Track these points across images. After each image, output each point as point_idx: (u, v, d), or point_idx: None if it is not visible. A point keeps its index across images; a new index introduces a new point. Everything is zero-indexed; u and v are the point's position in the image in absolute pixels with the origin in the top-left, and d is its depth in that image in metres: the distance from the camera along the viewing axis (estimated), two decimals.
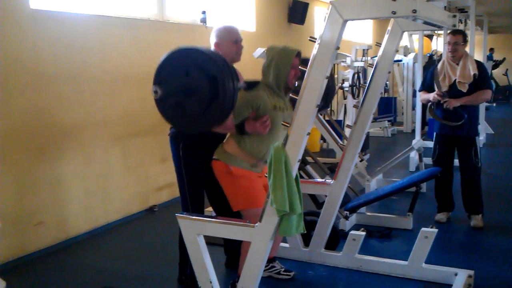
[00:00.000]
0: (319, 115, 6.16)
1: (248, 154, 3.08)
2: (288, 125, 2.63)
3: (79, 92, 4.53)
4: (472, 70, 4.39)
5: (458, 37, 4.41)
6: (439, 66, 4.58)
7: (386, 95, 11.31)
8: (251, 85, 3.10)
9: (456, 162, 4.68)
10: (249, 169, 3.10)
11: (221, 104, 2.49)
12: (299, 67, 3.08)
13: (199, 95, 2.50)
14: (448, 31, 4.61)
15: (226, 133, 3.15)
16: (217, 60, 2.51)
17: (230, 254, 3.68)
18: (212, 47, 3.24)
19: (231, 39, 3.20)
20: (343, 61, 8.34)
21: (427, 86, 4.69)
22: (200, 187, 3.39)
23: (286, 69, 3.05)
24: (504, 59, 17.99)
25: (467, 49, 4.69)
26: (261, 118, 2.97)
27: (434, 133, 4.76)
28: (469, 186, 4.57)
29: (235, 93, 2.55)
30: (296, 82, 3.17)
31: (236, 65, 3.20)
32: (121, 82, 4.99)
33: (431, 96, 4.53)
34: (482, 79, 4.44)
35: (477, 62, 4.52)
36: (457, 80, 4.41)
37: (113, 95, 4.92)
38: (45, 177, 4.26)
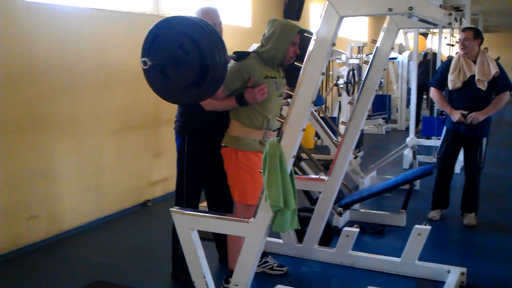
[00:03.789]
0: (314, 112, 6.17)
1: (253, 129, 3.08)
2: (282, 121, 2.63)
3: (72, 85, 4.50)
4: (493, 69, 4.29)
5: (467, 34, 4.34)
6: (454, 60, 4.46)
7: (380, 93, 11.33)
8: (242, 56, 3.08)
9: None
10: (259, 149, 3.09)
11: (210, 76, 2.43)
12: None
13: (187, 66, 2.43)
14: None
15: (221, 109, 3.12)
16: (207, 30, 2.44)
17: (223, 251, 3.68)
18: None
19: (210, 22, 3.15)
20: (338, 58, 8.34)
21: (440, 83, 4.59)
22: (199, 183, 3.39)
23: (286, 44, 3.05)
24: (498, 58, 18.06)
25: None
26: (258, 86, 2.98)
27: (445, 128, 4.68)
28: (470, 184, 4.58)
29: (225, 65, 2.51)
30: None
31: None
32: (115, 77, 4.97)
33: (456, 117, 4.40)
34: (502, 79, 4.37)
35: (496, 61, 4.43)
36: (476, 78, 4.29)
37: (107, 90, 4.90)
38: (39, 171, 4.24)
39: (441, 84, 4.58)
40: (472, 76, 4.34)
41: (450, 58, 4.65)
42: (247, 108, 3.05)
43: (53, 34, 4.30)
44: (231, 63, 3.02)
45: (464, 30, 4.41)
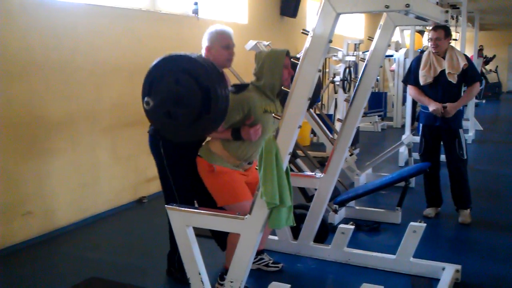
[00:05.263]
0: (310, 109, 6.16)
1: (233, 156, 3.09)
2: (279, 117, 2.63)
3: (68, 82, 4.49)
4: (462, 61, 4.41)
5: (439, 33, 4.40)
6: (424, 57, 4.55)
7: (376, 90, 11.33)
8: (240, 88, 3.08)
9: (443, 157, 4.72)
10: (232, 169, 3.11)
11: (213, 111, 2.46)
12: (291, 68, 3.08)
13: (191, 103, 2.45)
14: (430, 27, 4.61)
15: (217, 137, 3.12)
16: (206, 67, 2.46)
17: (223, 242, 3.63)
18: (203, 51, 3.18)
19: (222, 44, 3.11)
20: (334, 55, 8.34)
21: (415, 79, 4.62)
22: (187, 181, 3.36)
23: (279, 70, 3.04)
24: (494, 56, 18.09)
25: (460, 45, 4.72)
26: (254, 126, 2.98)
27: (420, 125, 4.77)
28: (456, 179, 4.60)
29: (227, 100, 2.52)
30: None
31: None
32: (111, 73, 4.96)
33: (433, 106, 4.43)
34: (471, 71, 4.48)
35: (464, 54, 4.56)
36: (446, 71, 4.41)
37: (103, 86, 4.88)
38: (34, 167, 4.23)
39: (416, 81, 4.63)
40: (443, 71, 4.44)
41: (419, 55, 4.72)
42: None
43: (49, 30, 4.28)
44: (230, 95, 2.95)
45: (436, 29, 4.43)
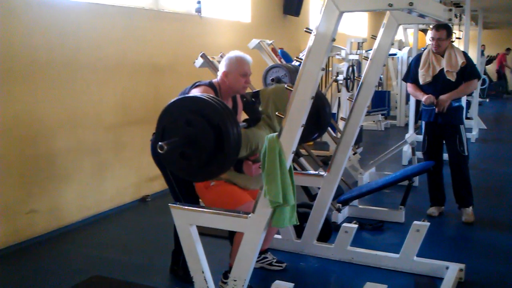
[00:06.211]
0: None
1: (232, 182, 3.14)
2: (282, 116, 2.63)
3: (72, 80, 4.50)
4: (460, 59, 4.41)
5: (441, 33, 4.40)
6: (423, 55, 4.56)
7: (380, 89, 11.31)
8: (251, 122, 3.10)
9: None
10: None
11: (227, 148, 2.48)
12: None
13: (204, 143, 2.47)
14: (431, 26, 4.59)
15: None
16: (216, 105, 2.49)
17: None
18: (220, 74, 3.20)
19: (240, 72, 3.13)
20: (338, 54, 8.31)
21: (413, 77, 4.65)
22: (188, 181, 3.37)
23: (283, 102, 3.08)
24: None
25: (462, 44, 4.71)
26: (257, 163, 3.00)
27: (423, 122, 4.79)
28: (457, 175, 4.59)
29: (239, 137, 2.54)
30: None
31: None
32: (114, 71, 4.96)
33: (424, 98, 4.49)
34: (470, 68, 4.48)
35: (463, 52, 4.56)
36: (445, 70, 4.42)
37: (106, 84, 4.89)
38: (38, 165, 4.24)
39: (415, 79, 4.64)
40: (442, 70, 4.45)
41: (419, 54, 4.72)
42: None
43: (52, 29, 4.29)
44: (242, 131, 3.00)
45: (438, 29, 4.41)
